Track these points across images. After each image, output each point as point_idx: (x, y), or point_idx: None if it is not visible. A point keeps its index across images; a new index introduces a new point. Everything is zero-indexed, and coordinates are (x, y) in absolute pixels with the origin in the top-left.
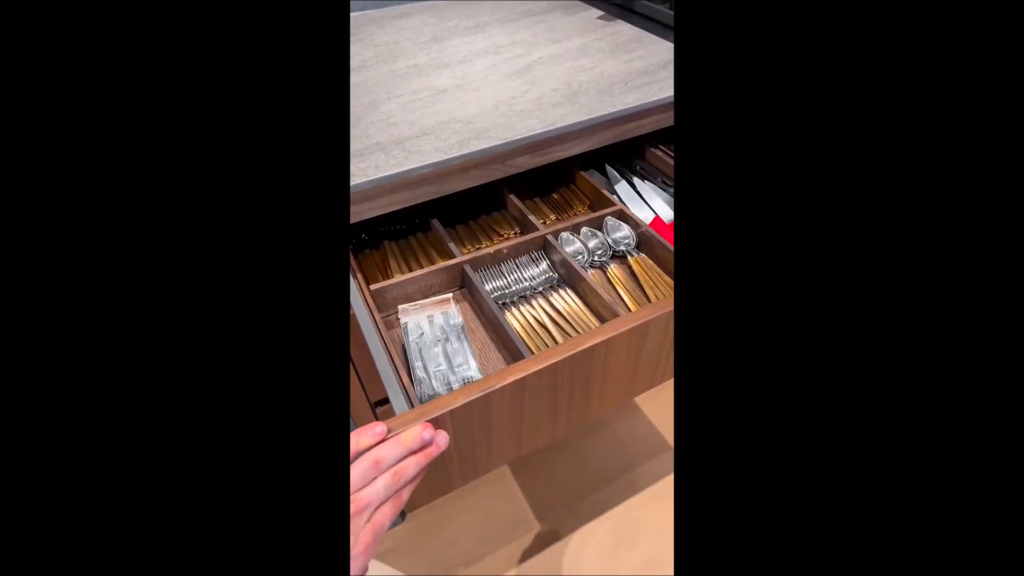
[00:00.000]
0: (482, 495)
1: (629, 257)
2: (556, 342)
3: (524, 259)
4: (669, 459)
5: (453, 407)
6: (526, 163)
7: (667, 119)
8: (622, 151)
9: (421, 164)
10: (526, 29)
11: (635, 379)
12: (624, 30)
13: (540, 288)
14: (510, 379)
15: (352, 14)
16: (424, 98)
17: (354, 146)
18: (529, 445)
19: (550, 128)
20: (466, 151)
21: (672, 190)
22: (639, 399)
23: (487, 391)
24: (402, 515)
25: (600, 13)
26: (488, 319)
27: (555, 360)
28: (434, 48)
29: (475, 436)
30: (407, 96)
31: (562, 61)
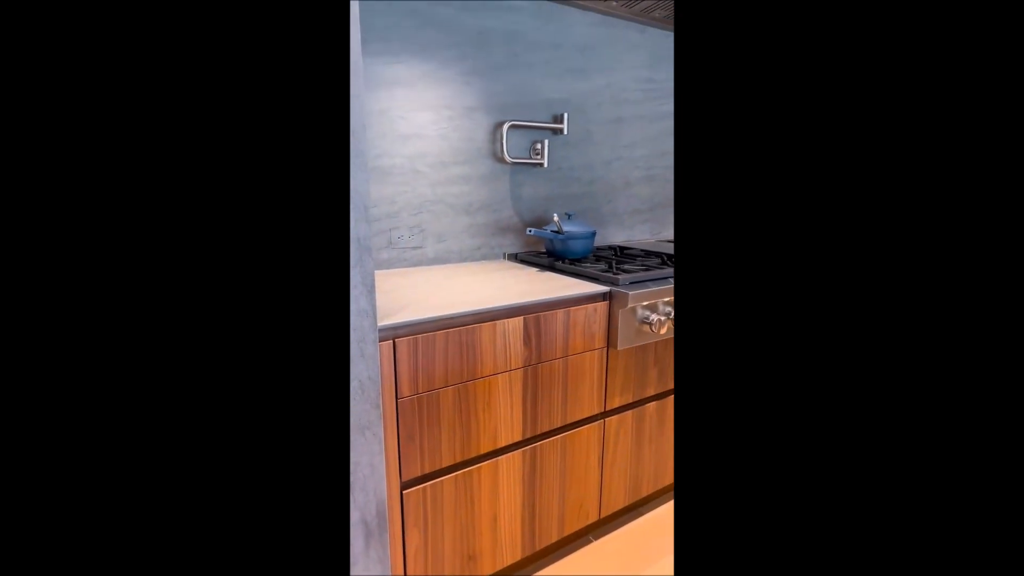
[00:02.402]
0: None
1: None
2: None
3: None
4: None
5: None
6: (500, 317)
7: (573, 301)
8: None
9: (444, 314)
10: (499, 274)
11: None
12: (552, 275)
13: None
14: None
15: (387, 270)
16: (442, 292)
17: (392, 306)
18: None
19: (513, 302)
20: (468, 310)
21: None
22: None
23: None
24: None
25: (536, 270)
26: None
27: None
28: (446, 281)
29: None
30: (431, 291)
31: (518, 283)
